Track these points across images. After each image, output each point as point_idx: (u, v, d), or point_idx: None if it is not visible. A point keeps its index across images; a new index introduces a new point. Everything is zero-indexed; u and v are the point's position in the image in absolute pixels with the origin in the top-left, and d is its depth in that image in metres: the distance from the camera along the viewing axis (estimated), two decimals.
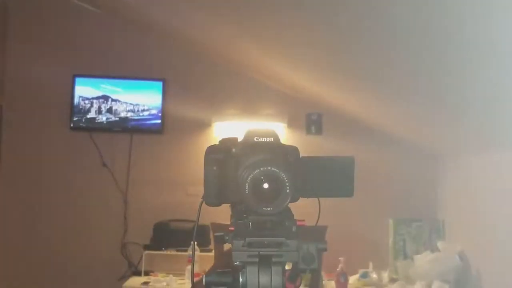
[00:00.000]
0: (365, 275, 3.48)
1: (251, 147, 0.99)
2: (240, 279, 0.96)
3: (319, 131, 3.95)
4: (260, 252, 0.94)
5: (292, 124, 3.93)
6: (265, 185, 0.93)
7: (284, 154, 1.00)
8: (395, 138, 3.86)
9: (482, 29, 1.88)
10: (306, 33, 2.77)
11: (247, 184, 0.93)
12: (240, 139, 1.04)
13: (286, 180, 0.92)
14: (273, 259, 0.95)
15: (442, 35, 2.08)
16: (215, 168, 1.00)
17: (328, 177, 1.02)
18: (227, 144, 1.03)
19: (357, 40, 2.57)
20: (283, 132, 3.92)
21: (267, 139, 0.99)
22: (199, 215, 1.01)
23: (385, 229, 3.71)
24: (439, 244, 3.50)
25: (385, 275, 3.51)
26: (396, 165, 3.90)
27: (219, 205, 1.00)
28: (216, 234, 1.00)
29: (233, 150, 1.01)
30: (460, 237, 3.52)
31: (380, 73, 2.96)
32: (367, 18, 2.22)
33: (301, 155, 1.03)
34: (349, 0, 2.13)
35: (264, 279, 0.94)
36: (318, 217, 1.03)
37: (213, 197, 1.00)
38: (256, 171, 0.93)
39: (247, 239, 0.94)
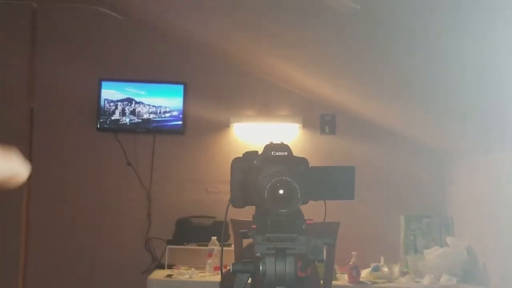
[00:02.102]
0: (376, 269, 3.50)
1: (269, 159, 1.18)
2: (260, 268, 1.13)
3: (332, 131, 3.98)
4: (277, 246, 1.13)
5: (306, 124, 3.97)
6: (281, 191, 1.11)
7: (296, 165, 1.17)
8: (406, 138, 3.90)
9: (491, 32, 1.99)
10: (319, 36, 2.83)
11: (266, 190, 1.11)
12: (260, 152, 1.22)
13: (298, 188, 1.10)
14: (287, 251, 1.13)
15: (453, 39, 2.18)
16: (240, 176, 1.19)
17: (333, 183, 1.20)
18: (249, 156, 1.21)
19: (370, 42, 2.62)
20: (298, 132, 3.98)
21: (282, 153, 1.18)
22: (226, 215, 1.20)
23: (397, 225, 3.76)
24: (448, 240, 3.55)
25: (396, 269, 3.55)
26: (408, 164, 3.92)
27: (243, 207, 1.20)
28: (241, 231, 1.19)
29: (254, 162, 1.19)
30: (468, 233, 3.57)
31: (391, 75, 3.05)
32: (382, 21, 2.29)
33: (310, 165, 1.21)
34: (363, 6, 2.19)
35: (280, 267, 1.12)
36: (325, 216, 1.21)
37: (238, 201, 1.20)
38: (273, 179, 1.11)
39: (266, 234, 1.13)
